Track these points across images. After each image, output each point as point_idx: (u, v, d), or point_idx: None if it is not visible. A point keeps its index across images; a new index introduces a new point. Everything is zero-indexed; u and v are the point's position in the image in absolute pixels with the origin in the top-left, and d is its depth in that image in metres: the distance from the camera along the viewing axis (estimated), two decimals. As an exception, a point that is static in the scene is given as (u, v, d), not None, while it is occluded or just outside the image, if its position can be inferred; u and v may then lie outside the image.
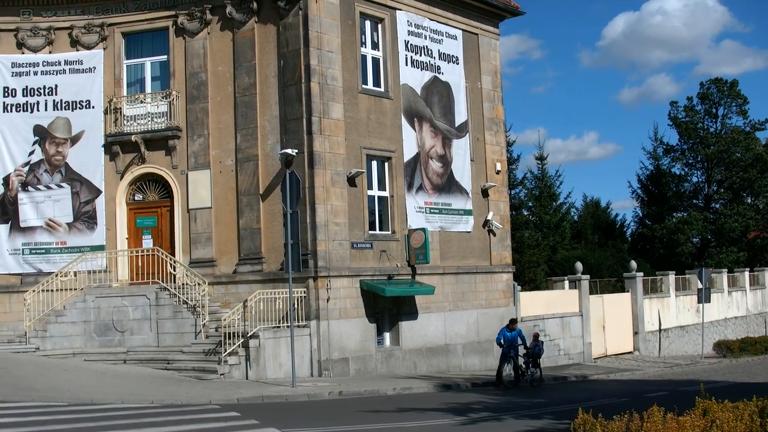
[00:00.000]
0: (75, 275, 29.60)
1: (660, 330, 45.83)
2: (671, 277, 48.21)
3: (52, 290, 29.18)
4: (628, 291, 44.74)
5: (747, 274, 56.37)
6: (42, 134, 31.56)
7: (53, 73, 31.72)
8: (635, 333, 43.98)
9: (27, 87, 31.73)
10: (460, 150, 33.86)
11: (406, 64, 31.89)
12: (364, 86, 30.38)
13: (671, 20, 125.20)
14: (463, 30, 34.73)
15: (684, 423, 12.27)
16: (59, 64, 31.74)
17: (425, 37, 32.83)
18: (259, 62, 29.55)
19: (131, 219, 31.28)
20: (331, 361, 27.87)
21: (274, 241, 28.65)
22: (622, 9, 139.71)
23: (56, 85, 31.67)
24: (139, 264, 29.93)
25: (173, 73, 30.96)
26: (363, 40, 30.81)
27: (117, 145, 30.91)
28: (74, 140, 31.47)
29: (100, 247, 30.77)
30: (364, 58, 30.73)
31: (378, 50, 31.32)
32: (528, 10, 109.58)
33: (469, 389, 26.69)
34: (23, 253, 31.27)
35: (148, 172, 30.96)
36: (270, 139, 29.19)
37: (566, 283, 41.66)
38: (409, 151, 31.60)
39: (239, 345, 25.93)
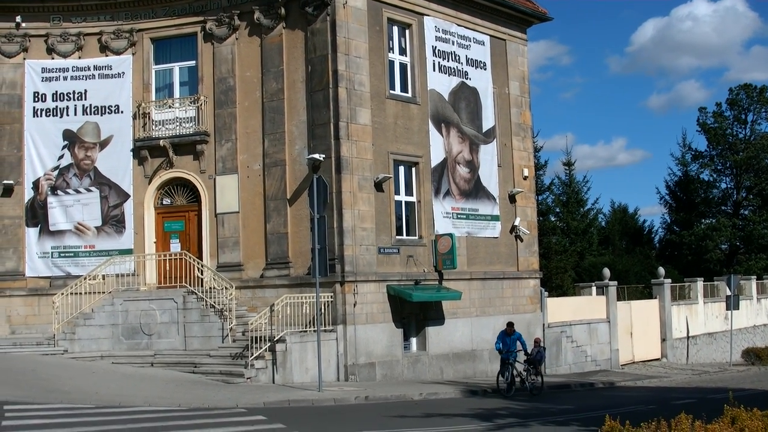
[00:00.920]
0: (103, 279, 29.79)
1: (688, 337, 45.53)
2: (699, 283, 47.91)
3: (80, 293, 29.35)
4: (655, 298, 44.51)
5: (776, 281, 55.93)
6: (71, 139, 31.82)
7: (83, 78, 31.99)
8: (663, 340, 43.72)
9: (57, 92, 32.02)
10: (488, 155, 33.80)
11: (434, 70, 31.88)
12: (391, 92, 30.40)
13: (701, 26, 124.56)
14: (491, 36, 34.68)
15: (712, 431, 12.18)
16: (89, 69, 32.01)
17: (453, 43, 32.81)
18: (287, 67, 29.65)
19: (159, 223, 31.47)
20: (358, 365, 27.87)
21: (301, 246, 28.72)
22: (651, 14, 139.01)
23: (85, 90, 31.94)
24: (167, 268, 30.08)
25: (201, 78, 31.14)
26: (390, 46, 30.83)
27: (145, 150, 31.12)
28: (103, 145, 31.71)
29: (129, 251, 30.97)
30: (391, 63, 30.75)
31: (405, 56, 31.33)
32: (556, 16, 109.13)
33: (495, 395, 26.61)
34: (52, 257, 31.53)
35: (176, 176, 31.15)
36: (297, 144, 29.28)
37: (593, 289, 41.49)
38: (437, 156, 31.58)
39: (266, 349, 25.96)
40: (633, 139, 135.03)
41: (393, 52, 30.94)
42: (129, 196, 31.34)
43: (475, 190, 33.08)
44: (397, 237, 30.05)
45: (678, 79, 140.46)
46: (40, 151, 31.86)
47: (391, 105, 30.24)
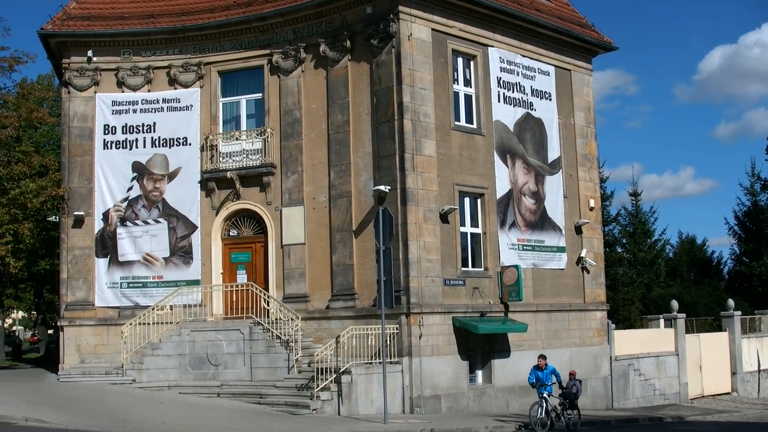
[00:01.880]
0: (171, 309, 30.13)
1: (759, 370, 44.54)
2: (770, 316, 46.92)
3: (148, 323, 29.71)
4: (725, 330, 43.64)
5: None
6: (140, 170, 32.30)
7: (152, 111, 32.50)
8: (733, 373, 42.83)
9: (126, 124, 32.56)
10: (553, 186, 33.58)
11: (499, 101, 31.82)
12: (456, 123, 30.40)
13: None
14: (556, 66, 34.54)
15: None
16: (157, 102, 32.52)
17: (517, 74, 32.74)
18: (353, 99, 29.83)
19: (226, 254, 31.75)
20: (423, 398, 27.73)
21: (366, 278, 28.74)
22: (718, 42, 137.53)
23: (154, 123, 32.43)
24: (234, 299, 30.33)
25: (268, 110, 31.47)
26: (455, 77, 30.86)
27: (213, 182, 31.48)
28: (171, 176, 32.13)
29: (196, 282, 31.26)
30: (456, 94, 30.77)
31: (470, 87, 31.33)
32: (622, 45, 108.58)
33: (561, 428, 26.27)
34: (121, 287, 31.94)
35: (243, 208, 31.43)
36: (363, 176, 29.38)
37: (661, 321, 40.84)
38: (502, 187, 31.45)
39: (331, 380, 25.96)
40: (701, 168, 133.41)
41: (458, 84, 30.96)
42: (196, 227, 31.68)
43: (541, 221, 32.85)
44: (463, 269, 29.91)
45: (746, 108, 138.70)
46: (110, 182, 32.38)
47: (456, 136, 30.22)
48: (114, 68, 32.76)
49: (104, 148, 32.56)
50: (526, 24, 32.80)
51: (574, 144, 34.98)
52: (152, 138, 32.37)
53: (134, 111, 32.55)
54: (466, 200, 30.63)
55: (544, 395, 25.53)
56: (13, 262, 33.46)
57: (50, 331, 62.85)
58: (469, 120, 31.11)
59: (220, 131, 32.10)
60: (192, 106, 32.24)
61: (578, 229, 34.45)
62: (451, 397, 28.63)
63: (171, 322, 29.78)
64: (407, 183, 28.23)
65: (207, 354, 28.84)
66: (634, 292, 49.77)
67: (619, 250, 55.51)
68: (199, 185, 31.88)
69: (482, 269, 30.67)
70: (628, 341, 36.99)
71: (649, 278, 54.22)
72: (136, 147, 32.44)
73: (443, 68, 30.15)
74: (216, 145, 31.66)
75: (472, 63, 31.43)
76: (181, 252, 31.73)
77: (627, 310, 47.78)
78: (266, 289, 30.33)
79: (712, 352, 41.60)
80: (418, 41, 29.29)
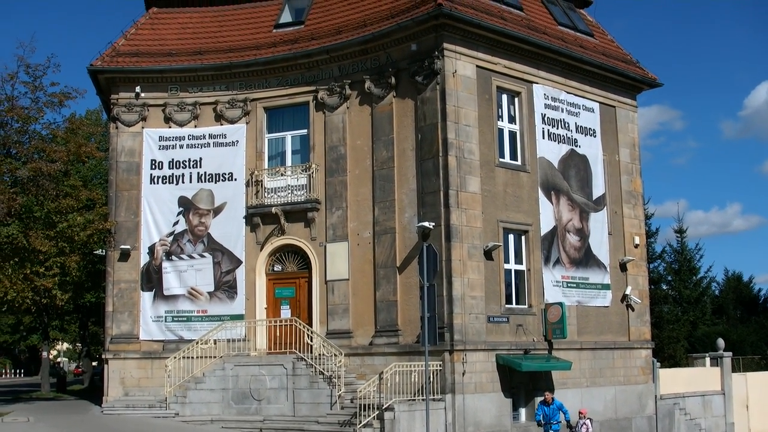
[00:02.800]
0: (215, 343, 30.27)
1: (808, 411, 43.74)
2: (819, 355, 46.20)
3: (192, 357, 29.89)
4: (773, 369, 43.03)
5: None
6: (186, 205, 32.60)
7: (198, 147, 32.86)
8: (781, 413, 42.11)
9: (173, 160, 32.93)
10: (598, 223, 33.39)
11: (543, 138, 31.78)
12: (500, 160, 30.39)
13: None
14: (600, 102, 34.46)
15: None
16: (204, 137, 32.87)
17: (562, 110, 32.71)
18: (397, 136, 29.95)
19: (270, 289, 31.87)
20: (466, 436, 27.55)
21: (410, 314, 28.71)
22: (764, 77, 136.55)
23: (201, 158, 32.77)
24: (277, 334, 30.41)
25: (313, 146, 31.67)
26: (500, 114, 30.90)
27: (258, 217, 31.67)
28: (217, 211, 32.39)
29: (240, 317, 31.40)
30: (500, 131, 30.78)
31: (515, 123, 31.34)
32: (668, 81, 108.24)
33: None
34: (166, 321, 32.15)
35: (288, 243, 31.58)
36: (407, 212, 29.42)
37: (707, 360, 40.26)
38: (546, 224, 31.33)
39: (374, 417, 25.87)
40: (748, 204, 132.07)
41: (502, 120, 30.98)
42: (241, 262, 31.86)
43: (586, 258, 32.65)
44: (507, 306, 29.77)
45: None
46: (156, 217, 32.70)
47: (500, 173, 30.20)
48: (161, 104, 33.18)
49: (151, 183, 32.93)
50: (570, 61, 32.81)
51: (619, 181, 34.81)
52: (198, 173, 32.69)
53: (181, 146, 32.92)
54: (511, 237, 30.53)
55: None
56: (59, 295, 33.88)
57: (95, 364, 63.39)
58: (513, 157, 31.09)
59: (266, 167, 32.34)
60: (238, 141, 32.53)
61: (623, 267, 34.18)
62: (495, 436, 28.43)
63: (215, 357, 29.92)
64: (451, 219, 28.22)
65: (250, 389, 28.88)
66: (680, 330, 49.26)
67: (665, 287, 54.99)
68: (244, 220, 32.07)
69: (526, 306, 30.51)
70: (674, 380, 36.52)
71: (695, 316, 53.63)
72: (183, 182, 32.76)
73: (488, 105, 30.21)
74: (261, 180, 31.89)
75: (516, 100, 31.46)
76: (225, 286, 31.90)
77: (672, 348, 47.29)
78: (310, 324, 30.39)
79: (759, 392, 40.90)
80: (463, 78, 29.38)
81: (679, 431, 35.46)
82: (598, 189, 33.66)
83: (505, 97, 31.21)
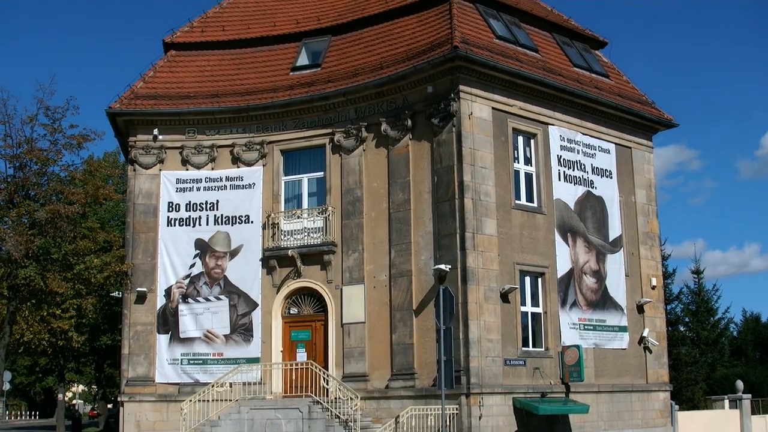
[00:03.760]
0: (230, 386, 30.15)
1: (829, 454, 43.25)
2: (840, 397, 45.73)
3: (208, 400, 29.72)
4: (793, 412, 42.60)
5: None
6: (203, 248, 32.64)
7: (215, 189, 32.94)
8: (802, 456, 41.64)
9: (190, 202, 33.02)
10: (615, 265, 33.26)
11: (559, 179, 31.77)
12: (517, 202, 30.38)
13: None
14: (616, 144, 34.45)
15: None
16: (221, 180, 32.97)
17: (578, 152, 32.71)
18: (413, 178, 30.00)
19: (286, 332, 31.78)
20: (484, 480, 27.31)
21: (426, 357, 28.57)
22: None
23: (217, 201, 32.84)
24: (293, 377, 30.30)
25: (329, 189, 31.73)
26: (516, 156, 30.93)
27: (274, 260, 31.67)
28: (233, 254, 32.41)
29: (256, 360, 31.29)
30: (516, 173, 30.80)
31: (531, 165, 31.36)
32: (684, 121, 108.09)
33: None
34: (182, 363, 32.08)
35: (304, 286, 31.54)
36: (423, 255, 29.39)
37: (726, 402, 39.97)
38: (563, 266, 31.23)
39: (391, 462, 25.73)
40: (767, 244, 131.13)
41: (518, 162, 31.01)
42: (257, 304, 31.82)
43: (603, 300, 32.49)
44: (523, 348, 29.61)
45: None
46: (173, 259, 32.75)
47: (516, 215, 30.17)
48: (179, 146, 33.36)
49: (168, 225, 33.01)
50: (586, 102, 32.88)
51: (636, 222, 34.71)
52: (215, 216, 32.77)
53: (198, 189, 33.02)
54: (527, 279, 30.46)
55: None
56: (75, 337, 34.02)
57: (110, 406, 63.26)
58: (529, 198, 31.08)
59: (282, 209, 32.39)
60: (255, 184, 32.62)
61: (640, 308, 34.00)
62: (512, 480, 28.18)
63: (230, 400, 29.78)
64: (468, 262, 28.17)
65: (266, 432, 28.76)
66: (698, 372, 48.87)
67: (682, 329, 54.59)
68: (260, 263, 32.08)
69: (543, 349, 30.34)
70: (693, 423, 36.19)
71: (713, 358, 53.23)
72: (199, 224, 32.84)
73: (504, 147, 30.25)
74: (278, 223, 31.93)
75: (532, 141, 31.50)
76: (241, 329, 31.85)
77: (691, 390, 46.88)
78: (326, 367, 30.27)
79: (779, 434, 40.56)
80: (479, 120, 29.46)
81: (698, 475, 35.12)
82: (615, 230, 33.57)
83: (521, 138, 31.27)
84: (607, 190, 33.63)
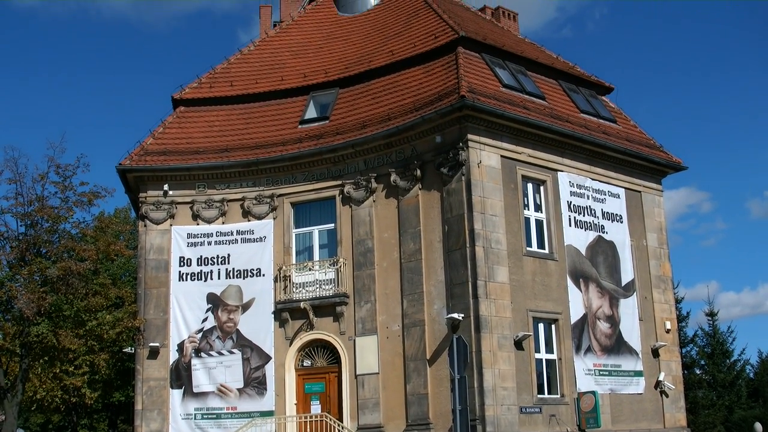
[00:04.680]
0: (245, 441, 29.99)
1: None
2: None
3: (223, 456, 29.59)
4: (813, 453, 42.06)
5: None
6: (215, 302, 32.63)
7: (226, 243, 33.01)
8: (821, 499, 41.10)
9: (201, 256, 33.08)
10: (628, 309, 33.13)
11: (570, 225, 31.78)
12: (528, 248, 30.37)
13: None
14: (626, 188, 34.50)
15: None
16: (232, 234, 33.05)
17: (588, 197, 32.75)
18: (424, 228, 30.03)
19: (300, 385, 31.65)
20: None
21: (441, 407, 28.38)
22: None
23: (229, 255, 32.89)
24: (308, 429, 30.07)
25: (340, 240, 31.77)
26: (526, 203, 30.98)
27: (286, 312, 31.63)
28: (245, 307, 32.40)
29: (270, 413, 31.13)
30: (527, 220, 30.83)
31: (541, 212, 31.39)
32: (694, 163, 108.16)
33: None
34: (195, 418, 31.94)
35: (317, 338, 31.45)
36: (436, 304, 29.33)
37: (746, 445, 39.60)
38: (576, 312, 31.13)
39: None
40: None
41: (528, 209, 31.05)
42: (270, 357, 31.73)
43: (617, 345, 32.32)
44: (539, 396, 29.42)
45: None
46: (185, 314, 32.74)
47: (528, 262, 30.14)
48: (189, 201, 33.50)
49: (179, 280, 33.04)
50: (594, 147, 32.97)
51: (648, 266, 34.64)
52: (227, 269, 32.80)
53: (209, 243, 33.10)
54: (540, 326, 30.34)
55: None
56: (88, 393, 33.78)
57: (123, 461, 62.81)
58: (540, 245, 31.07)
59: (293, 262, 32.43)
60: (265, 237, 32.69)
61: (655, 353, 33.80)
62: None
63: (245, 454, 29.64)
64: (480, 310, 28.10)
65: (282, 487, 28.55)
66: (716, 415, 48.45)
67: (698, 371, 54.23)
68: (272, 316, 32.04)
69: (558, 396, 30.14)
70: (713, 467, 35.86)
71: (730, 400, 52.73)
72: (211, 278, 32.86)
73: (513, 194, 30.31)
74: (289, 275, 31.95)
75: (542, 188, 31.57)
76: (255, 383, 31.74)
77: (709, 433, 46.48)
78: (340, 419, 30.10)
79: (799, 477, 40.06)
80: (488, 168, 29.56)
81: None
82: (627, 275, 33.49)
83: (530, 185, 31.34)
84: (618, 234, 33.61)
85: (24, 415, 55.72)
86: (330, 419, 29.40)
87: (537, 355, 29.83)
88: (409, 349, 29.58)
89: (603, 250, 32.82)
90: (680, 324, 47.48)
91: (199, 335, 32.51)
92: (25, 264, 30.59)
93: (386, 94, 32.95)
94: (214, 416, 31.82)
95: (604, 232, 33.02)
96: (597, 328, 31.75)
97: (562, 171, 32.05)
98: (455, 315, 28.10)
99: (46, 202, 31.65)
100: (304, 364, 31.84)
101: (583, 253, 32.01)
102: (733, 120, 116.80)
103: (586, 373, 30.85)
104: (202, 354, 32.33)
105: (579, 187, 32.50)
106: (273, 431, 30.66)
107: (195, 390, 32.11)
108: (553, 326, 30.58)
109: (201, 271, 33.02)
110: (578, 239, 31.97)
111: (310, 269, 31.97)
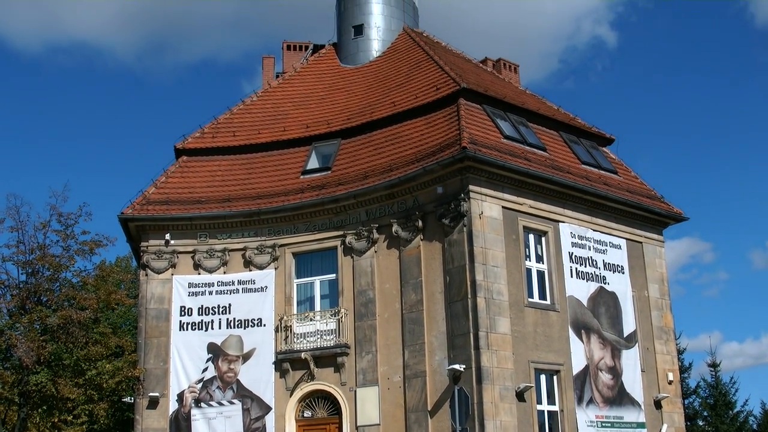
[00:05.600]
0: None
1: None
2: None
3: None
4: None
5: None
6: (215, 352, 32.50)
7: (227, 293, 32.95)
8: None
9: (202, 306, 33.00)
10: (630, 361, 32.99)
11: (571, 276, 31.76)
12: (530, 299, 30.33)
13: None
14: (627, 239, 34.52)
15: None
16: (233, 284, 33.00)
17: (589, 248, 32.77)
18: (426, 278, 30.01)
19: (301, 436, 31.49)
20: None
21: (443, 459, 28.22)
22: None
23: (230, 304, 32.82)
24: (308, 482, 29.89)
25: (342, 291, 31.74)
26: (527, 254, 30.99)
27: (287, 363, 31.49)
28: (246, 357, 32.26)
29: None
30: (528, 271, 30.82)
31: (542, 263, 31.39)
32: (696, 214, 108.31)
33: None
34: (195, 470, 31.63)
35: (317, 389, 31.27)
36: (437, 355, 29.22)
37: (750, 498, 39.27)
38: (578, 363, 31.00)
39: None
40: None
41: (530, 260, 31.06)
42: (270, 408, 31.52)
43: (619, 396, 32.15)
44: (541, 448, 29.27)
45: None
46: (185, 363, 32.58)
47: (530, 313, 30.09)
48: (191, 251, 33.50)
49: (180, 330, 32.93)
50: (595, 198, 33.07)
51: (650, 316, 34.57)
52: (227, 319, 32.72)
53: (210, 293, 33.04)
54: (542, 377, 30.20)
55: None
56: (88, 443, 33.57)
57: None
58: (542, 296, 31.03)
59: (295, 312, 32.36)
60: (267, 287, 32.66)
61: (657, 404, 33.62)
62: None
63: (245, 507, 29.36)
64: (482, 362, 27.98)
65: None
66: (719, 467, 48.04)
67: (701, 423, 53.80)
68: (273, 366, 31.89)
69: (561, 448, 29.96)
70: None
71: (734, 451, 52.33)
72: (212, 328, 32.75)
73: (515, 245, 30.33)
74: (290, 325, 31.87)
75: (543, 239, 31.60)
76: (255, 434, 31.54)
77: (712, 485, 46.05)
78: (341, 471, 29.90)
79: None
80: (489, 219, 29.60)
81: None
82: (629, 326, 33.40)
83: (531, 236, 31.37)
84: (620, 285, 33.58)
85: (21, 465, 55.33)
86: (330, 471, 29.22)
87: (539, 407, 29.65)
88: (410, 401, 29.41)
89: (605, 301, 32.77)
90: (683, 375, 47.27)
91: (199, 385, 32.33)
92: (26, 312, 30.55)
93: (388, 144, 33.11)
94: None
95: (605, 283, 32.99)
96: (599, 380, 31.60)
97: (563, 222, 32.10)
98: (457, 366, 27.98)
99: (48, 250, 31.70)
100: (305, 414, 31.63)
101: (585, 304, 31.96)
102: (735, 171, 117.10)
103: (588, 425, 30.65)
104: (202, 404, 32.13)
105: (580, 238, 32.53)
106: (273, 483, 30.42)
107: (194, 441, 31.88)
108: (555, 377, 30.44)
109: (202, 320, 32.92)
110: (580, 290, 31.93)
111: (311, 319, 31.89)
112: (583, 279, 32.20)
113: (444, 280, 29.58)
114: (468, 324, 28.46)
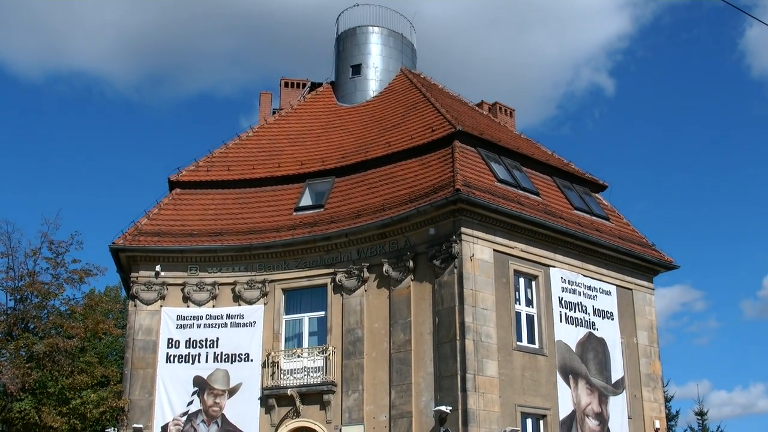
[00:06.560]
0: None
1: None
2: None
3: None
4: None
5: None
6: (201, 385, 32.34)
7: (215, 327, 32.85)
8: None
9: (190, 339, 32.87)
10: (617, 407, 32.91)
11: (561, 321, 31.75)
12: (518, 343, 30.29)
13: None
14: (617, 285, 34.59)
15: None
16: (221, 317, 32.92)
17: (579, 294, 32.80)
18: (415, 319, 29.97)
19: (285, 474, 31.23)
20: None
21: (426, 502, 28.05)
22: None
23: (217, 338, 32.71)
24: None
25: (330, 328, 31.67)
26: (517, 297, 31.01)
27: (273, 398, 31.34)
28: (232, 392, 32.10)
29: (254, 503, 30.64)
30: (518, 314, 30.81)
31: (532, 307, 31.40)
32: (688, 262, 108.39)
33: None
34: (176, 505, 31.41)
35: (303, 426, 31.06)
36: (424, 396, 29.11)
37: None
38: (565, 408, 30.90)
39: None
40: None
41: (519, 304, 31.07)
42: (255, 444, 31.36)
43: (605, 444, 32.07)
44: (526, 493, 29.12)
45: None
46: (171, 396, 32.39)
47: (518, 356, 30.04)
48: (180, 283, 33.43)
49: (167, 362, 32.76)
50: (587, 244, 33.16)
51: (638, 363, 34.53)
52: (215, 353, 32.59)
53: (198, 326, 32.93)
54: (528, 421, 30.08)
55: None
56: (69, 474, 33.22)
57: None
58: (531, 340, 31.00)
59: (282, 348, 32.23)
60: (255, 322, 32.57)
61: (644, 452, 33.53)
62: None
63: None
64: (469, 404, 27.89)
65: None
66: None
67: (687, 470, 53.73)
68: (259, 401, 31.72)
69: (546, 494, 29.79)
70: None
71: (718, 503, 52.15)
72: (198, 361, 32.61)
73: (505, 288, 30.35)
74: (278, 361, 31.75)
75: (533, 283, 31.63)
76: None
77: None
78: None
79: None
80: (480, 262, 29.64)
81: None
82: (617, 372, 33.35)
83: (522, 280, 31.40)
84: (609, 331, 33.57)
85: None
86: None
87: (525, 451, 29.58)
88: (396, 441, 29.28)
89: (593, 347, 32.75)
90: (669, 423, 47.11)
91: (184, 418, 32.12)
92: (12, 339, 30.45)
93: (382, 184, 33.19)
94: (195, 503, 31.32)
95: (594, 329, 32.99)
96: (585, 425, 31.49)
97: (554, 267, 32.16)
98: (443, 407, 27.88)
99: (37, 277, 31.67)
100: (290, 452, 31.46)
101: (573, 349, 31.93)
102: (727, 221, 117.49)
103: (573, 472, 30.55)
104: (186, 438, 31.93)
105: (571, 283, 32.57)
106: None
107: (177, 475, 31.64)
108: (541, 422, 30.33)
109: (189, 353, 32.79)
110: (569, 335, 31.91)
111: (298, 356, 31.79)
112: (573, 324, 32.20)
113: (433, 321, 29.55)
114: (456, 366, 28.39)
